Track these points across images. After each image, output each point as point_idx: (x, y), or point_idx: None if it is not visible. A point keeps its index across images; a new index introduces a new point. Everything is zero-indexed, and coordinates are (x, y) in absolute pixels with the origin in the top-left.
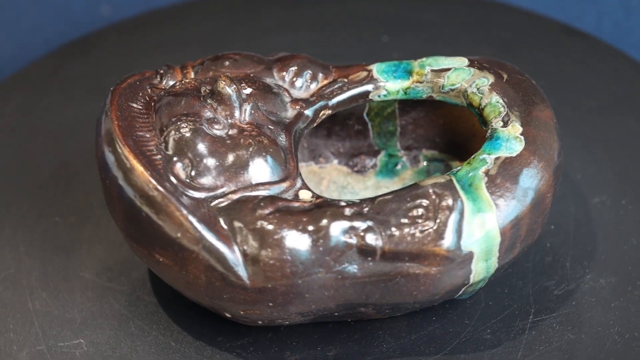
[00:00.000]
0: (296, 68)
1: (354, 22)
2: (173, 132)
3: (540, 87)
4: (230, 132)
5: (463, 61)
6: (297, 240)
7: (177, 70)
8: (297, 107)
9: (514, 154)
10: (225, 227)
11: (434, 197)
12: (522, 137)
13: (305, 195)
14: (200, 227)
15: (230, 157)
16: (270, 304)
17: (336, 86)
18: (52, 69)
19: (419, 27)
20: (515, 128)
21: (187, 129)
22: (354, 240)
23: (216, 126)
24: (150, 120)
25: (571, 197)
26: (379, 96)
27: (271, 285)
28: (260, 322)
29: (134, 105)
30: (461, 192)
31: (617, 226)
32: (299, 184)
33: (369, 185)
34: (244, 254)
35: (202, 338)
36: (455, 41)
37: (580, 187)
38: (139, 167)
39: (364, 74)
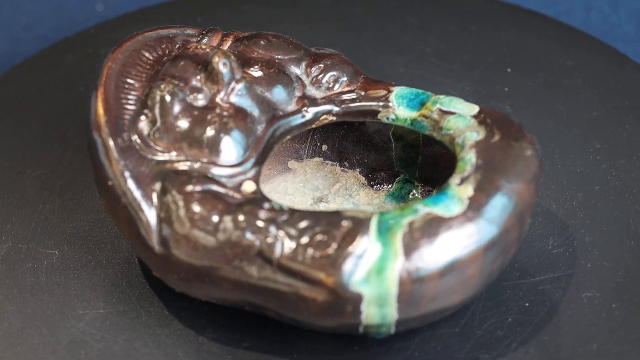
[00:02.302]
0: (323, 66)
1: (488, 49)
2: (154, 88)
3: (537, 161)
4: (205, 106)
5: (473, 110)
6: (206, 225)
7: (217, 35)
8: (300, 104)
9: (448, 215)
10: (154, 190)
11: (344, 228)
12: (467, 201)
13: (247, 187)
14: (130, 182)
15: (191, 129)
16: (175, 277)
17: (350, 96)
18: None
19: (548, 68)
20: (466, 190)
21: (166, 90)
22: (257, 243)
23: (199, 96)
24: (150, 72)
25: (564, 284)
26: (387, 118)
27: (174, 259)
28: (177, 290)
29: (146, 54)
30: (373, 233)
31: (589, 326)
32: (249, 174)
33: (374, 203)
34: (160, 221)
35: (152, 287)
36: (574, 92)
37: (580, 276)
38: (100, 110)
39: (383, 92)
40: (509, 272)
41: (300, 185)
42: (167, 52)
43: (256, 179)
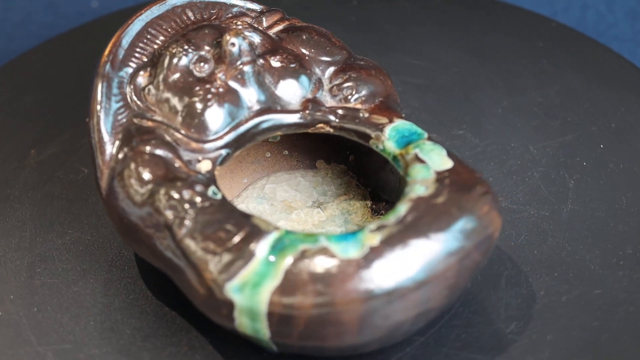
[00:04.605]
0: (346, 77)
1: (598, 116)
2: (164, 47)
3: (476, 241)
4: (203, 78)
5: (444, 165)
6: (139, 185)
7: (274, 17)
8: (303, 105)
9: (341, 256)
10: (119, 140)
11: (243, 233)
12: (367, 249)
13: (202, 165)
14: (102, 126)
15: (177, 95)
16: (115, 226)
17: (352, 113)
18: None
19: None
20: (373, 239)
21: (173, 51)
22: (170, 216)
23: (204, 67)
24: (180, 31)
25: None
26: (376, 147)
27: (112, 208)
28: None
29: (189, 13)
30: (266, 247)
31: None
32: (212, 155)
33: (364, 226)
34: (111, 168)
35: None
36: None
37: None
38: (105, 53)
39: (384, 121)
40: (452, 339)
41: (311, 186)
42: (213, 17)
43: (215, 161)
